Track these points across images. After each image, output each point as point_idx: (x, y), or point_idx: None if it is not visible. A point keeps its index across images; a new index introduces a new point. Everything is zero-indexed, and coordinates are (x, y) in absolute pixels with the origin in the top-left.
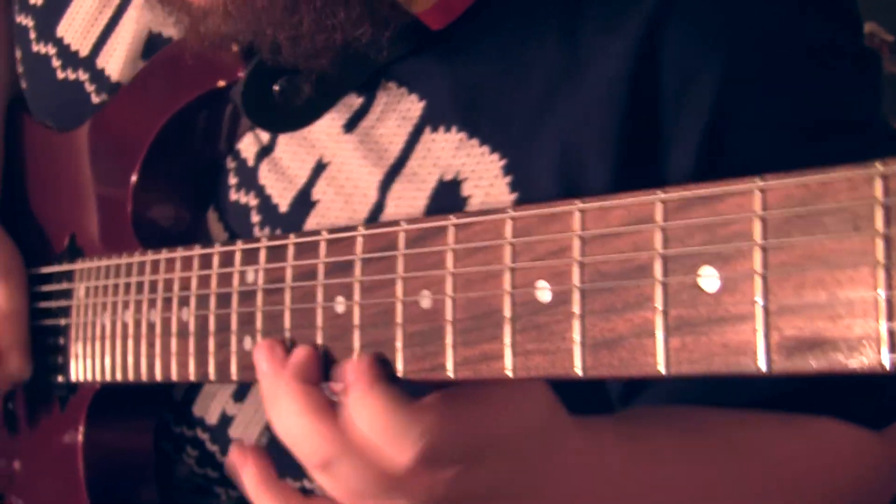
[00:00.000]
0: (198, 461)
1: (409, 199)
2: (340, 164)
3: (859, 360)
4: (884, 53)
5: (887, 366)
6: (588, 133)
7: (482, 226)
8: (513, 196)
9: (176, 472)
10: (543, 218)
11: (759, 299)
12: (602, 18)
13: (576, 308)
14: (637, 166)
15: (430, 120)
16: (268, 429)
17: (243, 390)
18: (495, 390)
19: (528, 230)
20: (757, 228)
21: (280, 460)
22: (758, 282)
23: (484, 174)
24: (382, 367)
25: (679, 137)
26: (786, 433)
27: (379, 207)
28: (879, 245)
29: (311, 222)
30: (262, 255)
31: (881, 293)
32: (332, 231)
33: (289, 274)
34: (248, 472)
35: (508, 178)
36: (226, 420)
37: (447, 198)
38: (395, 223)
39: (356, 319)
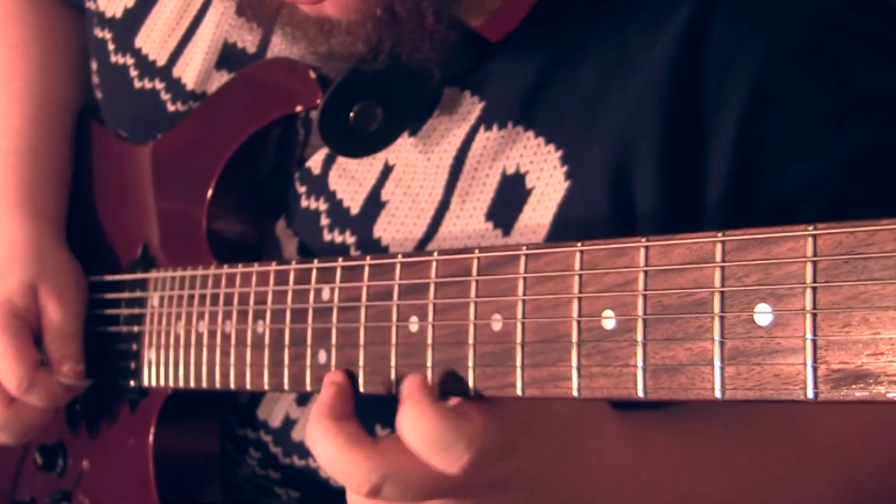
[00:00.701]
0: (260, 462)
1: (475, 194)
2: (405, 165)
3: None
4: None
5: None
6: (636, 124)
7: (553, 257)
8: (567, 184)
9: (238, 472)
10: (610, 252)
11: (808, 335)
12: (648, 14)
13: (639, 336)
14: (682, 155)
15: (484, 119)
16: None
17: (306, 395)
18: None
19: (595, 263)
20: (808, 271)
21: None
22: (808, 319)
23: (543, 165)
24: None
25: (719, 127)
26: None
27: (445, 204)
28: None
29: (382, 221)
30: (338, 274)
31: None
32: (406, 255)
33: (364, 293)
34: (322, 396)
35: (565, 168)
36: (289, 423)
37: (511, 192)
38: (470, 250)
39: (429, 339)
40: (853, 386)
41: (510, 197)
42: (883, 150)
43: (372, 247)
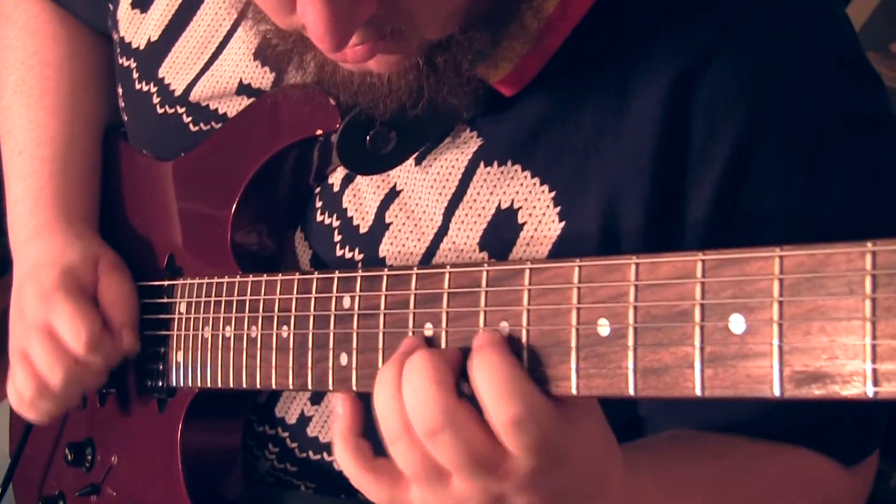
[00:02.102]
0: (278, 457)
1: (470, 223)
2: (411, 191)
3: (850, 391)
4: None
5: (870, 395)
6: (627, 175)
7: (554, 271)
8: (561, 224)
9: (258, 466)
10: (605, 268)
11: (775, 341)
12: (643, 70)
13: (630, 342)
14: (665, 208)
15: (485, 155)
16: None
17: (319, 394)
18: (575, 409)
19: (591, 277)
20: (776, 287)
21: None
22: (775, 328)
23: (536, 203)
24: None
25: (700, 184)
26: (773, 457)
27: (444, 230)
28: (868, 305)
29: (386, 241)
30: (358, 283)
31: (868, 341)
32: (422, 267)
33: (383, 302)
34: (338, 420)
35: (558, 209)
36: (304, 420)
37: (504, 224)
38: (480, 264)
39: (443, 343)
40: (813, 385)
41: (503, 229)
42: (845, 220)
43: (377, 264)
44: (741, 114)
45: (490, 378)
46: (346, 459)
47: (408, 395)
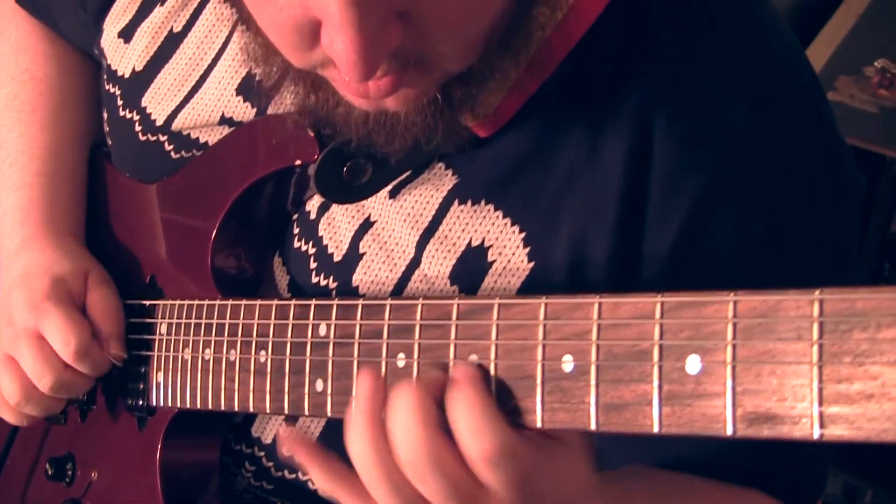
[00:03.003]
0: (255, 475)
1: (440, 258)
2: (385, 223)
3: (798, 432)
4: (894, 87)
5: (816, 437)
6: (594, 221)
7: (522, 307)
8: (530, 264)
9: (236, 483)
10: (570, 306)
11: (729, 382)
12: (613, 119)
13: (592, 379)
14: (628, 249)
15: (459, 193)
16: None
17: (294, 416)
18: (561, 445)
19: (557, 314)
20: (729, 330)
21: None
22: (729, 369)
23: (506, 242)
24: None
25: (660, 232)
26: (726, 498)
27: (415, 263)
28: (815, 350)
29: (359, 271)
30: (334, 312)
31: (815, 385)
32: (396, 299)
33: (358, 331)
34: (316, 471)
35: (527, 249)
36: (279, 440)
37: (474, 261)
38: (451, 297)
39: (415, 374)
40: (763, 425)
41: (472, 265)
42: (798, 268)
43: (350, 293)
44: (701, 167)
45: (466, 414)
46: (318, 475)
47: (397, 431)
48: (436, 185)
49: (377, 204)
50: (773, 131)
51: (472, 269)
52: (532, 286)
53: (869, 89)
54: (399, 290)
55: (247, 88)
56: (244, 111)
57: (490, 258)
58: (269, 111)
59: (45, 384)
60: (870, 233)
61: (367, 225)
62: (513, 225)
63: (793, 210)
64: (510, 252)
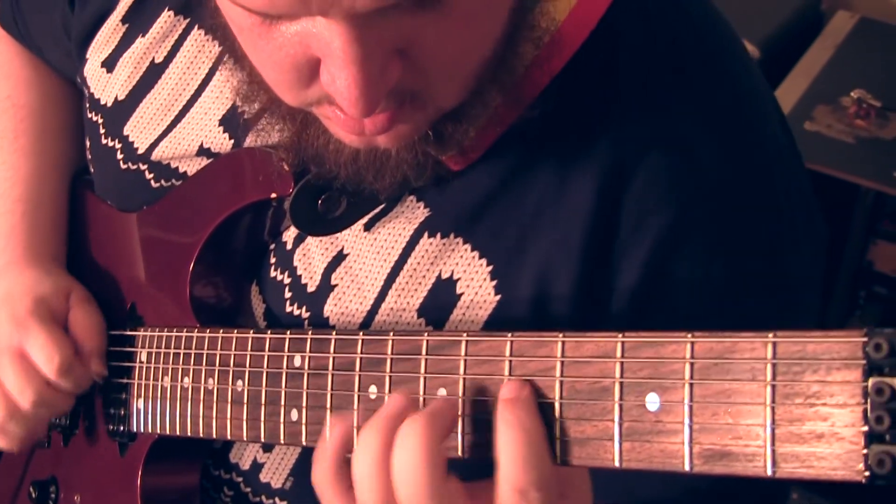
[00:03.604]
0: (233, 500)
1: (410, 290)
2: (357, 255)
3: (752, 469)
4: (871, 118)
5: (769, 474)
6: (559, 257)
7: (488, 343)
8: (497, 298)
9: None
10: (535, 343)
11: (686, 420)
12: (582, 157)
13: (556, 414)
14: (593, 285)
15: (430, 227)
16: (292, 474)
17: (271, 444)
18: (569, 485)
19: (522, 351)
20: (687, 369)
21: (304, 500)
22: (686, 408)
23: (474, 275)
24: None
25: (625, 269)
26: None
27: (383, 295)
28: (768, 391)
29: (330, 303)
30: (308, 344)
31: (768, 424)
32: (367, 333)
33: (331, 363)
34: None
35: (494, 282)
36: (256, 466)
37: (442, 293)
38: (421, 332)
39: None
40: (719, 463)
41: (441, 299)
42: (757, 311)
43: (321, 323)
44: (669, 209)
45: (516, 440)
46: (324, 484)
47: (399, 473)
48: (408, 217)
49: (351, 237)
50: (740, 176)
51: (440, 301)
52: (498, 319)
53: (846, 119)
54: (368, 321)
55: (230, 121)
56: (222, 143)
57: (458, 291)
58: (246, 144)
59: (26, 400)
60: (844, 261)
61: (340, 257)
62: (480, 258)
63: (754, 255)
64: (477, 285)
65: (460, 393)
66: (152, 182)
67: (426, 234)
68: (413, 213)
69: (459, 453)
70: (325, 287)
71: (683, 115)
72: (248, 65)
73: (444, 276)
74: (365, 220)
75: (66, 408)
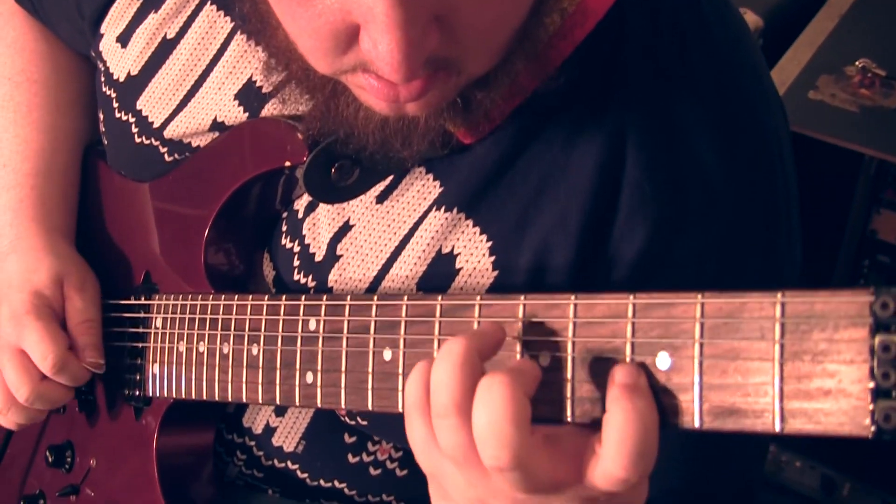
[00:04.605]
0: (246, 464)
1: (410, 263)
2: (363, 227)
3: (760, 425)
4: (875, 87)
5: (778, 430)
6: (558, 235)
7: (501, 306)
8: (494, 273)
9: (228, 471)
10: (547, 305)
11: (696, 378)
12: (586, 136)
13: (568, 374)
14: (588, 266)
15: (440, 201)
16: (304, 438)
17: (283, 407)
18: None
19: (535, 313)
20: (697, 329)
21: (315, 463)
22: (696, 365)
23: (473, 251)
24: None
25: (621, 253)
26: None
27: (387, 267)
28: (777, 348)
29: (335, 272)
30: (323, 309)
31: (776, 381)
32: (382, 297)
33: (346, 326)
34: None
35: (493, 258)
36: (269, 431)
37: (442, 267)
38: (434, 297)
39: (400, 367)
40: (728, 419)
41: (440, 272)
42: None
43: (326, 293)
44: (667, 190)
45: (631, 435)
46: (414, 383)
47: (480, 420)
48: (421, 192)
49: (360, 208)
50: (735, 166)
51: (439, 274)
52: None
53: (850, 88)
54: (369, 292)
55: (245, 94)
56: (237, 116)
57: (457, 265)
58: (263, 114)
59: (22, 395)
60: (848, 231)
61: (345, 228)
62: (481, 234)
63: (750, 247)
64: (476, 260)
65: None
66: (166, 156)
67: (434, 209)
68: (425, 187)
69: None
70: (331, 257)
71: (684, 104)
72: (281, 34)
73: (445, 251)
74: (377, 191)
75: (63, 400)
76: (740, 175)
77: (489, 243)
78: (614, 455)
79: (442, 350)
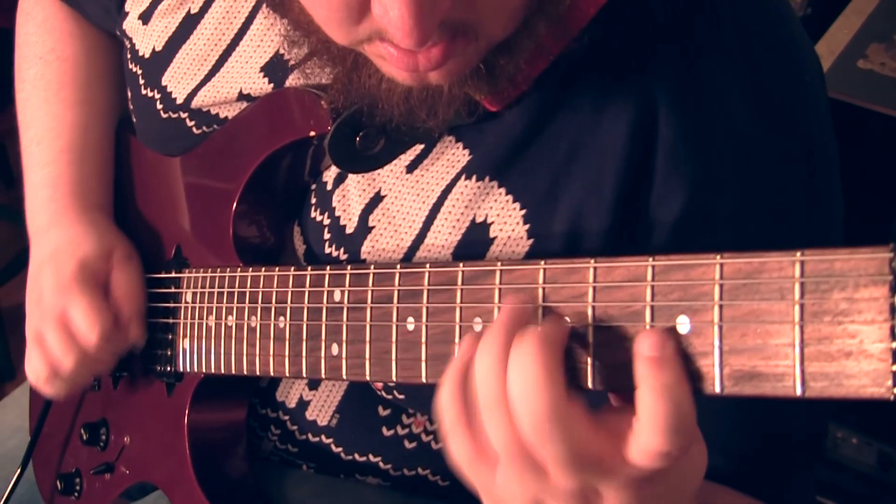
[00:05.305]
0: (280, 439)
1: (445, 233)
2: (395, 197)
3: (781, 389)
4: None
5: (799, 394)
6: (591, 201)
7: (522, 272)
8: (530, 242)
9: (262, 447)
10: (567, 270)
11: (716, 342)
12: (616, 100)
13: (590, 339)
14: (624, 231)
15: (469, 169)
16: (338, 411)
17: (317, 380)
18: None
19: (555, 278)
20: (716, 291)
21: (350, 437)
22: (716, 329)
23: (507, 219)
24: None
25: (658, 217)
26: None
27: (421, 237)
28: (796, 309)
29: (367, 244)
30: (347, 279)
31: (797, 343)
32: (405, 266)
33: (369, 296)
34: (458, 356)
35: (527, 226)
36: (303, 404)
37: (477, 236)
38: (456, 264)
39: (423, 337)
40: (749, 383)
41: (475, 241)
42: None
43: (359, 264)
44: (703, 150)
45: (661, 409)
46: (448, 399)
47: (514, 383)
48: (450, 161)
49: (390, 178)
50: (772, 125)
51: (474, 245)
52: None
53: None
54: (405, 260)
55: (272, 67)
56: (262, 87)
57: (492, 234)
58: (288, 85)
59: (67, 365)
60: None
61: (377, 199)
62: (514, 202)
63: (785, 201)
64: (510, 229)
65: (494, 320)
66: (194, 129)
67: (464, 177)
68: (454, 156)
69: None
70: (363, 228)
71: (715, 64)
72: (297, 6)
73: (479, 219)
74: (406, 161)
75: (106, 369)
76: (776, 131)
77: (522, 211)
78: (649, 430)
79: (480, 347)
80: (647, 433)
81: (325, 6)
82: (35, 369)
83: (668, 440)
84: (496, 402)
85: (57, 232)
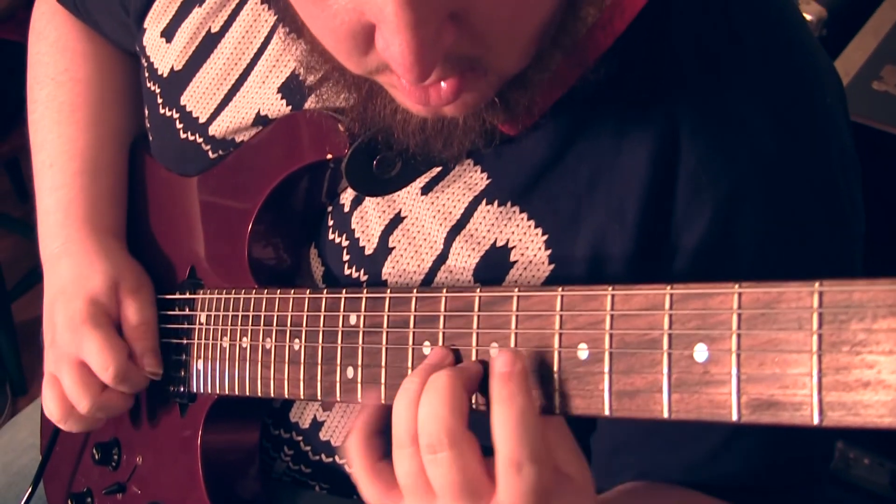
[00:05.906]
0: (293, 459)
1: (465, 255)
2: (415, 218)
3: (799, 418)
4: None
5: (816, 423)
6: (614, 228)
7: (539, 298)
8: (551, 267)
9: (275, 467)
10: (584, 297)
11: (734, 370)
12: (637, 127)
13: (606, 367)
14: (647, 258)
15: (489, 193)
16: None
17: (328, 402)
18: (572, 483)
19: (573, 305)
20: (734, 319)
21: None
22: (734, 358)
23: (529, 244)
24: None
25: (680, 243)
26: None
27: (442, 258)
28: (814, 339)
29: (388, 265)
30: (364, 303)
31: (814, 373)
32: (421, 290)
33: (385, 321)
34: (361, 413)
35: (549, 252)
36: (316, 425)
37: (497, 260)
38: (473, 289)
39: None
40: (766, 412)
41: (495, 264)
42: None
43: (380, 285)
44: (725, 177)
45: (507, 414)
46: (354, 452)
47: (423, 410)
48: (468, 184)
49: (409, 199)
50: (794, 149)
51: (494, 268)
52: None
53: None
54: (426, 283)
55: (289, 88)
56: (279, 109)
57: (512, 258)
58: (306, 107)
59: (83, 408)
60: None
61: (397, 220)
62: (536, 227)
63: (808, 223)
64: (532, 254)
65: (511, 346)
66: (210, 153)
67: (485, 201)
68: (472, 179)
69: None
70: (383, 249)
71: (737, 90)
72: (308, 34)
73: (500, 243)
74: (422, 182)
75: (124, 408)
76: (798, 158)
77: (545, 236)
78: (501, 439)
79: (400, 391)
80: (500, 442)
81: (331, 36)
82: (51, 410)
83: (519, 446)
84: (406, 434)
85: (67, 262)
